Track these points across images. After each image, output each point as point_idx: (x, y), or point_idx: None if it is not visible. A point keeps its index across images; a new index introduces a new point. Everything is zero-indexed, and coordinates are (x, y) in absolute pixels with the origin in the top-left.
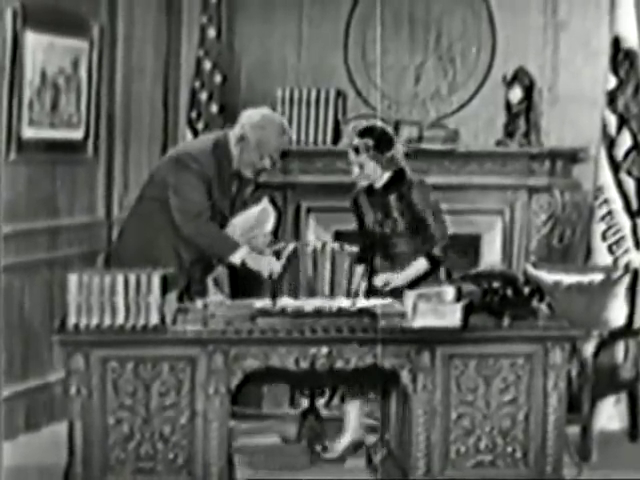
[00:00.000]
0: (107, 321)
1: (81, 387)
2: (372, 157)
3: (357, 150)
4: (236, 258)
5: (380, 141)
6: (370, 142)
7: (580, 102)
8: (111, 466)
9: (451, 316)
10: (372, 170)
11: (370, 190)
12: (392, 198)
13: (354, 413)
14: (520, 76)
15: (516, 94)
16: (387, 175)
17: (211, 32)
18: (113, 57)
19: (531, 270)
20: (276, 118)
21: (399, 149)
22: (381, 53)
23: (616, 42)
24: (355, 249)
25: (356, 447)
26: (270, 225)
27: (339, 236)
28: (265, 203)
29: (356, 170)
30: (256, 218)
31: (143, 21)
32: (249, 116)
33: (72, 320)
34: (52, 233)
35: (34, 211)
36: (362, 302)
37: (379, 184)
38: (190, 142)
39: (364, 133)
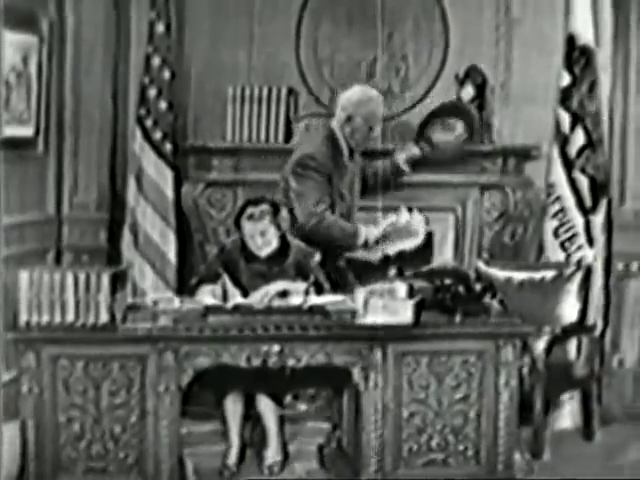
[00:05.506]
0: (57, 319)
1: (33, 386)
2: (272, 222)
3: (253, 217)
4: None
5: (274, 205)
6: (267, 207)
7: (532, 100)
8: (63, 465)
9: (403, 313)
10: (273, 236)
11: (248, 256)
12: (288, 267)
13: (273, 428)
14: (472, 74)
15: (468, 92)
16: (276, 242)
17: (160, 28)
18: (62, 52)
19: (483, 267)
20: (371, 91)
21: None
22: (333, 50)
23: (571, 39)
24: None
25: (282, 466)
26: None
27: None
28: None
29: (259, 240)
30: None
31: (92, 16)
32: (348, 97)
33: (23, 317)
34: (3, 230)
35: None
36: (313, 299)
37: (266, 252)
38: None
39: (258, 201)
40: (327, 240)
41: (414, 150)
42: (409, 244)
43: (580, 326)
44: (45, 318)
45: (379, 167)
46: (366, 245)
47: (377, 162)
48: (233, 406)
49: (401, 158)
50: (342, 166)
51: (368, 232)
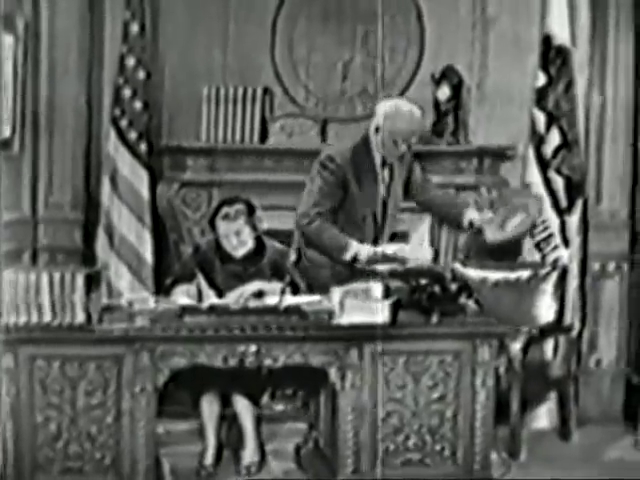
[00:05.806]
0: (34, 319)
1: (11, 386)
2: (247, 222)
3: (228, 217)
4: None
5: (249, 205)
6: (242, 207)
7: (508, 100)
8: (40, 465)
9: (380, 313)
10: (248, 236)
11: (223, 256)
12: (263, 268)
13: (250, 429)
14: (449, 74)
15: (444, 92)
16: (251, 243)
17: (134, 28)
18: (37, 52)
19: (458, 267)
20: (404, 106)
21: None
22: (308, 50)
23: (547, 39)
24: None
25: (259, 467)
26: None
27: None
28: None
29: (235, 240)
30: None
31: (66, 16)
32: (381, 107)
33: (3, 319)
34: None
35: None
36: (289, 299)
37: (241, 252)
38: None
39: (233, 200)
40: (315, 244)
41: (486, 219)
42: (414, 261)
43: (557, 326)
44: (23, 318)
45: (435, 197)
46: (355, 261)
47: (433, 186)
48: (209, 406)
49: (467, 217)
50: (372, 174)
51: (360, 249)
